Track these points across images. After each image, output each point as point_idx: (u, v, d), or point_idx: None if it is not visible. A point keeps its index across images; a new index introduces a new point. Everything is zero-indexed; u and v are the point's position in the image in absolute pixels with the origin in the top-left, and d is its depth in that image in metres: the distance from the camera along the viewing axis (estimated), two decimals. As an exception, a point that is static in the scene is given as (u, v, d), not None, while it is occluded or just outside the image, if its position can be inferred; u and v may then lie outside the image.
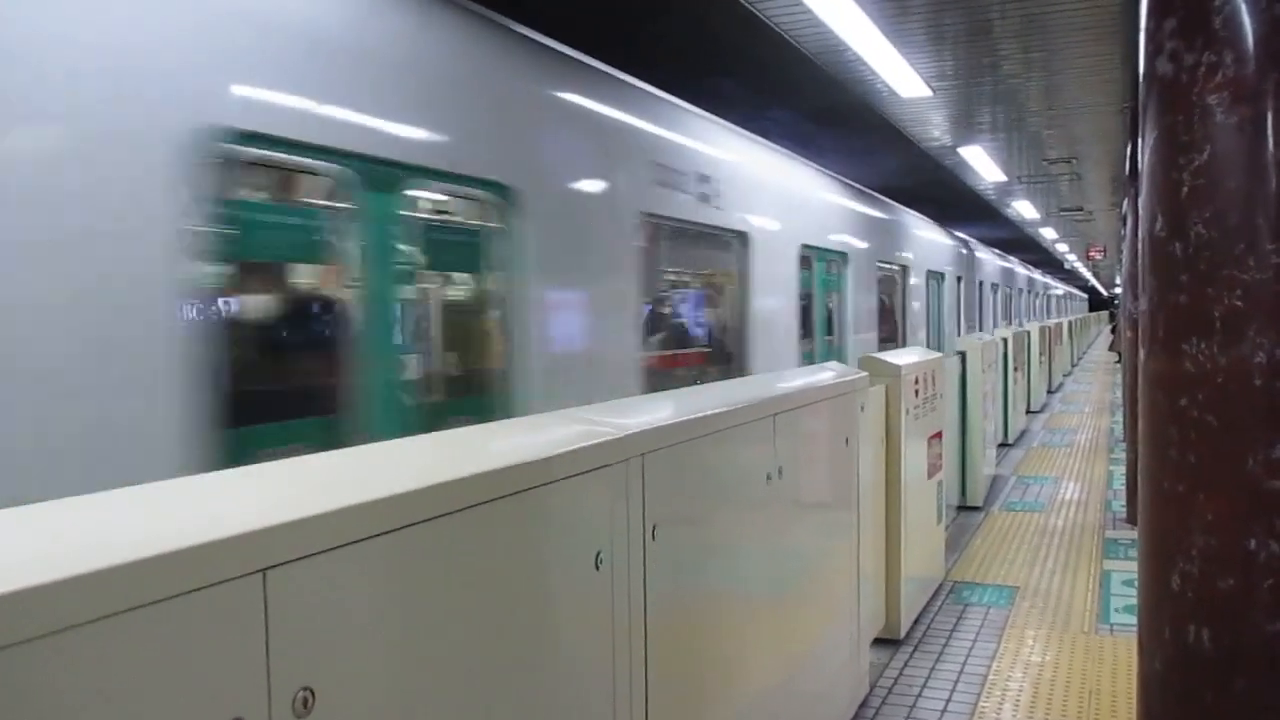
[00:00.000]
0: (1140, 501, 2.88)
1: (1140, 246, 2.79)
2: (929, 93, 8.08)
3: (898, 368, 4.70)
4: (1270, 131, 2.52)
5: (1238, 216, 2.60)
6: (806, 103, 9.97)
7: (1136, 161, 8.39)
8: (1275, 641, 2.43)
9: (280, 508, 1.22)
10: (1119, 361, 24.30)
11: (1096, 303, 57.12)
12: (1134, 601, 5.37)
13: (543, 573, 1.70)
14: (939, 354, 6.11)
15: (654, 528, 2.08)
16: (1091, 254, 31.93)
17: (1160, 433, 2.79)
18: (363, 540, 1.28)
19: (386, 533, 1.32)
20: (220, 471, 1.39)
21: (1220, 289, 2.58)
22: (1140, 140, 2.76)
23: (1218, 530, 2.57)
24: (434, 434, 1.83)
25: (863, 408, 3.93)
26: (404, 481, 1.39)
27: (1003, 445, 11.08)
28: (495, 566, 1.57)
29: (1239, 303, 2.55)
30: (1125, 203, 12.74)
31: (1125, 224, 12.56)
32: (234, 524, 1.14)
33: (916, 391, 4.99)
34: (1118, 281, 33.39)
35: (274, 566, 1.16)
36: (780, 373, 4.25)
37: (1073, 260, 36.66)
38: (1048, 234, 25.89)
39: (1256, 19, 2.54)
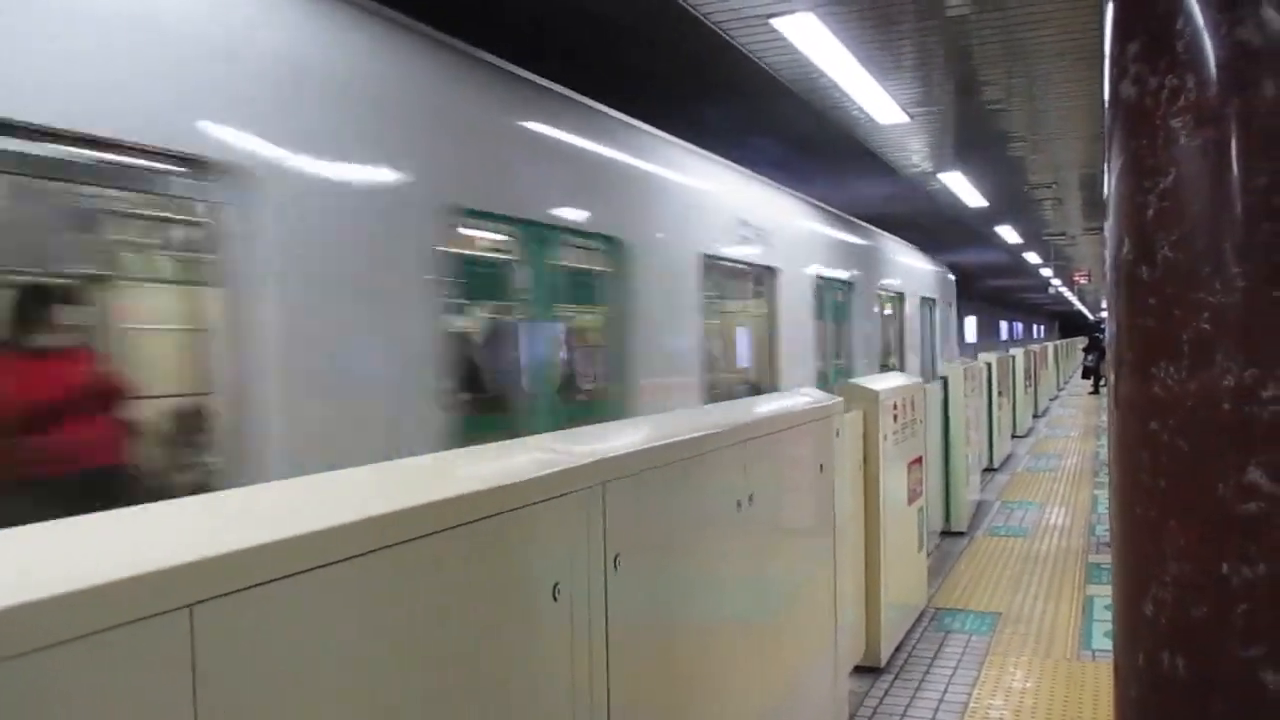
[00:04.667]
0: (1112, 527, 2.86)
1: (1108, 270, 2.79)
2: (906, 119, 8.13)
3: (875, 393, 4.69)
4: (1234, 154, 2.52)
5: (1204, 239, 2.60)
6: (785, 130, 10.02)
7: (1114, 186, 8.43)
8: (1249, 667, 2.40)
9: (212, 540, 1.18)
10: (1094, 393, 24.25)
11: (1072, 327, 55.98)
12: (1116, 627, 5.34)
13: (495, 606, 1.66)
14: (919, 380, 6.10)
15: (616, 557, 2.04)
16: (1076, 278, 32.10)
17: (1131, 457, 2.78)
18: (300, 574, 1.25)
19: (325, 565, 1.28)
20: (150, 504, 1.35)
21: (1187, 312, 2.57)
22: (1107, 165, 2.76)
23: (1190, 556, 2.55)
24: (384, 463, 1.80)
25: (838, 433, 3.91)
26: (346, 512, 1.36)
27: (988, 470, 11.07)
28: (443, 601, 1.53)
29: (1206, 326, 2.54)
30: (1105, 227, 12.76)
31: (1106, 248, 12.55)
32: (159, 557, 1.10)
33: (895, 417, 4.97)
34: (1103, 305, 33.44)
35: (201, 602, 1.12)
36: (753, 399, 4.21)
37: (1057, 285, 36.83)
38: (1032, 259, 26.01)
39: (1218, 43, 2.55)
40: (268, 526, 1.25)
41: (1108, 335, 2.96)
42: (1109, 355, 2.82)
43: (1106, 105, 2.86)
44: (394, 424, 3.67)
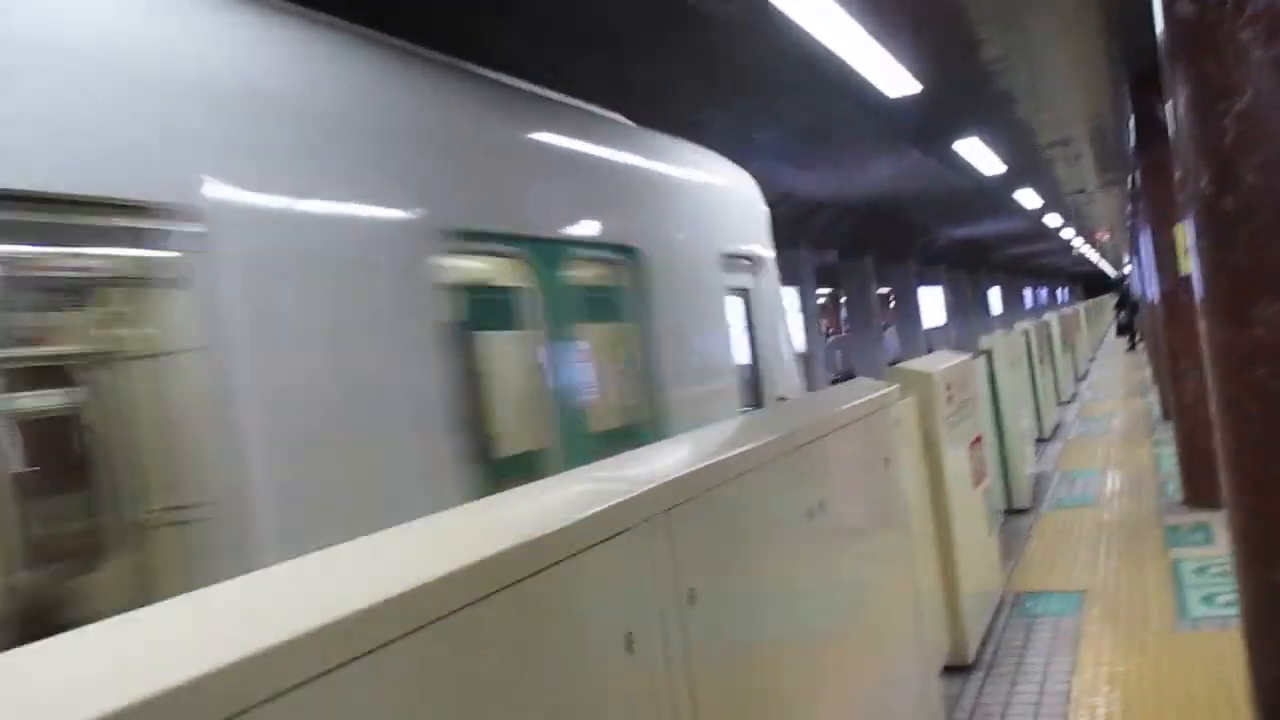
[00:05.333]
0: (1226, 489, 2.58)
1: (1186, 208, 2.54)
2: (918, 87, 7.84)
3: (928, 375, 4.43)
4: (1317, 61, 2.27)
5: (1295, 159, 2.33)
6: (797, 119, 9.78)
7: (1142, 133, 8.09)
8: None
9: (201, 651, 0.96)
10: (1131, 349, 24.04)
11: (1096, 286, 55.77)
12: (1212, 591, 5.03)
13: (560, 672, 1.43)
14: (967, 355, 5.84)
15: (690, 592, 1.81)
16: (1098, 235, 31.59)
17: (1237, 410, 2.51)
18: (324, 675, 1.02)
19: (342, 665, 1.05)
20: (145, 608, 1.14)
21: (1287, 242, 2.31)
22: (1171, 95, 2.51)
23: (1324, 514, 2.28)
24: (397, 527, 1.53)
25: (897, 422, 3.66)
26: (353, 599, 1.10)
27: (1040, 440, 10.75)
28: (496, 678, 1.29)
29: (1311, 254, 2.28)
30: (1130, 179, 12.45)
31: (1131, 201, 12.22)
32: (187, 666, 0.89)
33: (950, 398, 4.71)
34: (1125, 260, 32.93)
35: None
36: (803, 398, 3.99)
37: (1079, 245, 36.28)
38: (1052, 221, 25.59)
39: (1282, -59, 2.31)
40: (264, 630, 1.02)
41: (1192, 278, 2.71)
42: (1197, 297, 2.55)
43: (1160, 32, 2.59)
44: None
